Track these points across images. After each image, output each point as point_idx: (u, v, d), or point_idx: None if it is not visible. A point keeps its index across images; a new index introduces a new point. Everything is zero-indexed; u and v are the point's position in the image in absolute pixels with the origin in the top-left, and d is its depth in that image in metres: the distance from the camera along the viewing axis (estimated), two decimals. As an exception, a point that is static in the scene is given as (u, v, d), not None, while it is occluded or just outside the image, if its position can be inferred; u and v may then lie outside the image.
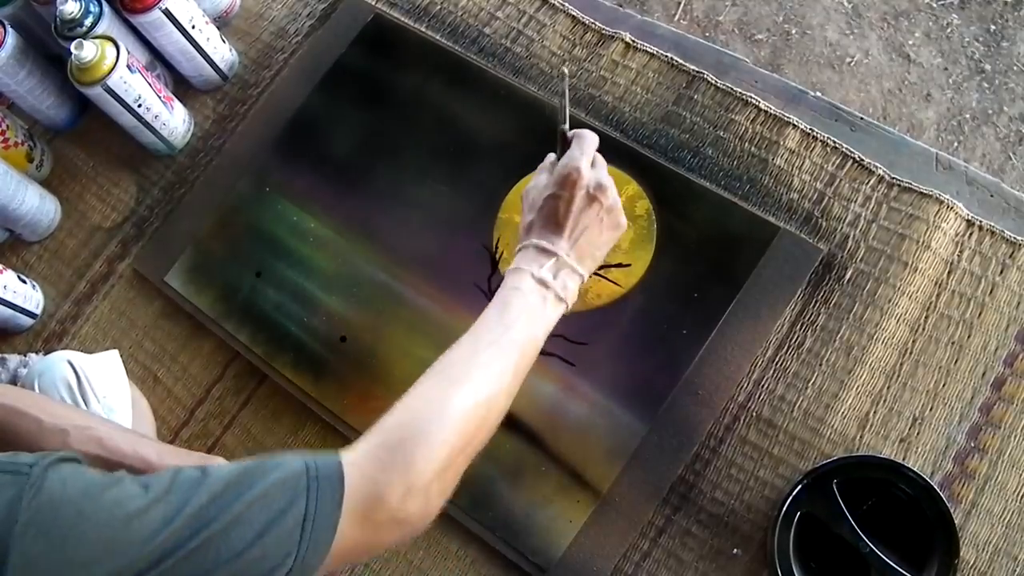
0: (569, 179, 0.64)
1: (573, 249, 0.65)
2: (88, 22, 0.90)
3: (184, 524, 0.43)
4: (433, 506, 0.51)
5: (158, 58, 1.01)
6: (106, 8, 0.91)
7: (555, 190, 0.65)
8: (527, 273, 0.63)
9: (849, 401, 0.76)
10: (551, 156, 0.71)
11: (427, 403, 0.54)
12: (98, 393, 0.77)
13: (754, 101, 0.87)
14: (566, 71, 0.68)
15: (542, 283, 0.63)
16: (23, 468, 0.43)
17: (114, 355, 0.85)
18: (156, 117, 0.94)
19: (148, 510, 0.43)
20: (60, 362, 0.76)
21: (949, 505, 0.67)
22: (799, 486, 0.69)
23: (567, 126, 0.67)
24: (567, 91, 0.68)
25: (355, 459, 0.49)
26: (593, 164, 0.67)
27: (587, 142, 0.66)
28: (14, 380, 0.81)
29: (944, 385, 0.75)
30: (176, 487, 0.45)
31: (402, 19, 1.00)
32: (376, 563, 0.80)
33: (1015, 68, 1.66)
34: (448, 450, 0.52)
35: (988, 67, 1.67)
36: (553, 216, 0.65)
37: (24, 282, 0.94)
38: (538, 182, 0.68)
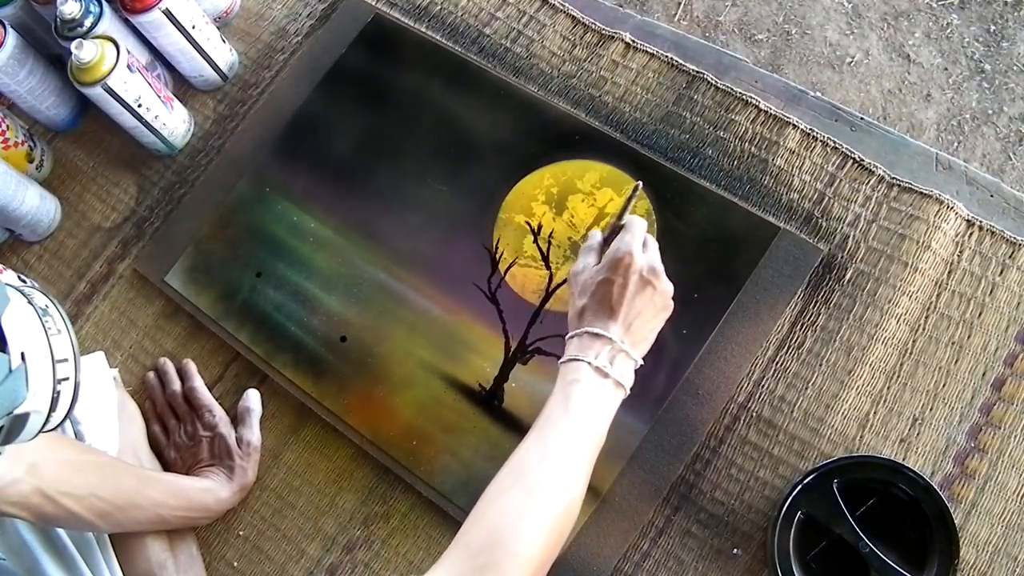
0: (623, 263, 0.64)
1: (627, 334, 0.64)
2: (88, 22, 0.90)
3: None
4: None
5: (158, 58, 1.01)
6: (106, 8, 0.91)
7: (608, 275, 0.64)
8: (584, 363, 0.62)
9: (849, 401, 0.76)
10: (596, 235, 0.70)
11: (511, 518, 0.54)
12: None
13: (754, 101, 0.87)
14: (639, 185, 0.70)
15: (600, 372, 0.62)
16: None
17: (99, 357, 0.85)
18: (156, 117, 0.94)
19: None
20: None
21: (949, 505, 0.67)
22: (799, 486, 0.69)
23: (623, 222, 0.68)
24: (634, 199, 0.70)
25: None
26: (645, 247, 0.66)
27: (638, 227, 0.66)
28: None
29: (944, 385, 0.75)
30: None
31: (402, 19, 1.00)
32: (376, 563, 0.80)
33: (1015, 68, 1.66)
34: (534, 567, 0.53)
35: (988, 67, 1.67)
36: (607, 301, 0.64)
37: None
38: (586, 264, 0.67)
